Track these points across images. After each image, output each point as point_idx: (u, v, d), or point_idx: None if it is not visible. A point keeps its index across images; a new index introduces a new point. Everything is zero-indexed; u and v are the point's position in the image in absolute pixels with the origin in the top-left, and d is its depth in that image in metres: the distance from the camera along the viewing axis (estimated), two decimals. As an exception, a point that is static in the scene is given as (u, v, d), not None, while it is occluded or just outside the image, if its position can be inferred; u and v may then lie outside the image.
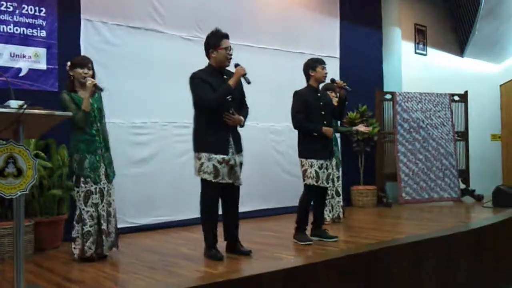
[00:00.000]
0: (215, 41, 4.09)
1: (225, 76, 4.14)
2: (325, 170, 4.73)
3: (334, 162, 5.89)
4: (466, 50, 9.50)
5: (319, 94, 4.85)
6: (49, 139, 4.80)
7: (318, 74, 4.80)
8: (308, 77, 4.86)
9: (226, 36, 4.12)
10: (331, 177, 4.86)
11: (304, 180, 4.76)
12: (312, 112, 4.72)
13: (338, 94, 4.91)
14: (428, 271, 4.50)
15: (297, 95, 4.79)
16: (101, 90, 4.05)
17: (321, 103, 4.80)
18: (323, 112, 4.78)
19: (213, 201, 4.09)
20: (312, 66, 4.83)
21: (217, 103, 4.00)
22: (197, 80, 4.04)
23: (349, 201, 7.68)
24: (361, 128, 6.37)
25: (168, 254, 4.31)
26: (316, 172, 4.68)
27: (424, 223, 5.87)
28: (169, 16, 5.96)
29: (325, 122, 4.75)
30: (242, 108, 4.29)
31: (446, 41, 9.36)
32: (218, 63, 4.12)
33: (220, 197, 4.17)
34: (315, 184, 4.68)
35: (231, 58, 4.12)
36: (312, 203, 4.87)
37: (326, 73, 4.83)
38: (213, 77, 4.08)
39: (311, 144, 4.72)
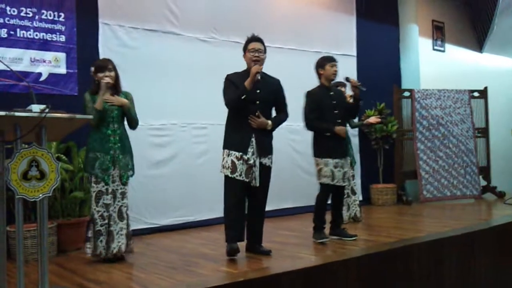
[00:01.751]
0: (245, 45, 4.26)
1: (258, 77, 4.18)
2: (341, 169, 4.71)
3: (348, 161, 5.88)
4: (485, 46, 9.39)
5: (331, 93, 4.81)
6: (70, 142, 4.87)
7: (327, 72, 4.77)
8: (318, 75, 4.84)
9: (254, 39, 4.23)
10: (346, 175, 4.84)
11: (319, 179, 4.75)
12: (325, 112, 4.71)
13: (352, 91, 4.88)
14: (450, 269, 4.46)
15: (309, 95, 4.77)
16: (108, 88, 4.07)
17: (334, 102, 4.77)
18: (336, 111, 4.75)
19: (232, 198, 4.11)
20: (321, 64, 4.81)
21: (232, 102, 4.11)
22: (226, 82, 4.21)
23: (369, 199, 7.64)
24: (371, 119, 6.41)
25: (188, 254, 4.34)
26: (332, 171, 4.67)
27: (445, 221, 5.81)
28: (185, 18, 5.99)
29: (338, 121, 4.72)
30: (280, 113, 4.38)
31: (464, 37, 9.26)
32: (248, 66, 4.22)
33: (246, 198, 4.21)
34: (331, 183, 4.67)
35: (256, 60, 4.15)
36: (330, 202, 4.86)
37: (335, 71, 4.78)
38: (245, 79, 4.11)
39: (325, 143, 4.71)
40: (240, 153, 4.08)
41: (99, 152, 4.05)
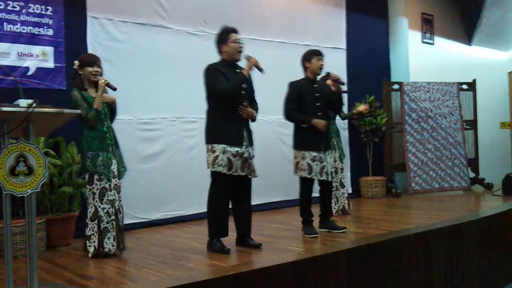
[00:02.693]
0: (224, 36, 4.18)
1: (237, 70, 4.18)
2: (319, 163, 4.67)
3: (336, 154, 5.89)
4: (473, 38, 9.44)
5: (315, 85, 4.80)
6: (58, 137, 4.84)
7: (313, 65, 4.77)
8: (304, 68, 4.85)
9: (234, 30, 4.19)
10: (325, 170, 4.70)
11: (295, 172, 4.76)
12: (306, 103, 4.70)
13: (333, 85, 4.88)
14: (438, 260, 4.50)
15: (291, 85, 4.79)
16: (115, 89, 4.07)
17: (317, 94, 4.75)
18: (318, 104, 4.73)
19: (224, 194, 4.11)
20: (308, 57, 4.81)
21: (234, 90, 4.05)
22: (212, 71, 4.11)
23: (358, 192, 7.68)
24: (360, 108, 6.51)
25: (178, 249, 4.34)
26: (309, 164, 4.65)
27: (434, 213, 5.86)
28: (175, 12, 5.96)
29: (319, 114, 4.70)
30: (253, 103, 4.33)
31: (453, 30, 9.30)
32: (230, 56, 4.17)
33: (232, 191, 4.20)
34: (308, 176, 4.67)
35: (241, 51, 4.17)
36: (319, 195, 4.88)
37: (321, 65, 4.78)
38: (227, 69, 4.12)
39: (303, 135, 4.71)
40: (237, 149, 4.04)
41: (100, 151, 4.00)
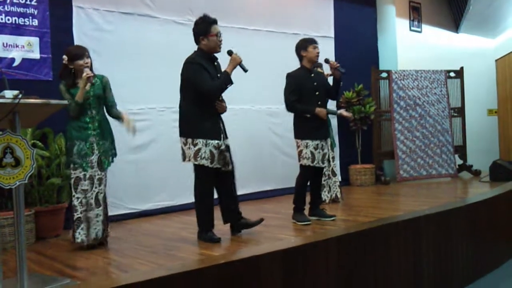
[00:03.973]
0: (206, 27, 4.07)
1: (215, 63, 4.17)
2: (321, 150, 4.75)
3: (329, 142, 5.90)
4: (461, 26, 9.47)
5: (312, 75, 4.82)
6: (46, 128, 4.81)
7: (310, 54, 4.77)
8: (300, 58, 4.84)
9: (215, 22, 4.11)
10: (326, 157, 4.87)
11: (299, 161, 4.78)
12: (305, 93, 4.72)
13: (331, 72, 4.89)
14: (427, 246, 4.54)
15: (289, 77, 4.78)
16: (92, 84, 4.01)
17: (315, 84, 4.78)
18: (317, 93, 4.77)
19: (210, 186, 4.13)
20: (303, 46, 4.80)
21: (220, 92, 4.09)
22: (196, 66, 4.02)
23: (347, 180, 7.72)
24: (344, 113, 6.49)
25: (169, 238, 4.34)
26: (312, 152, 4.70)
27: (422, 200, 5.91)
28: (161, 1, 5.91)
29: (319, 103, 4.75)
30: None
31: (440, 18, 9.32)
32: (209, 49, 4.12)
33: (217, 182, 4.22)
34: (311, 164, 4.71)
35: (221, 45, 4.13)
36: (308, 183, 4.90)
37: (318, 53, 4.80)
38: (207, 63, 4.09)
39: (305, 124, 4.73)
40: (217, 141, 4.06)
41: (77, 140, 3.99)
